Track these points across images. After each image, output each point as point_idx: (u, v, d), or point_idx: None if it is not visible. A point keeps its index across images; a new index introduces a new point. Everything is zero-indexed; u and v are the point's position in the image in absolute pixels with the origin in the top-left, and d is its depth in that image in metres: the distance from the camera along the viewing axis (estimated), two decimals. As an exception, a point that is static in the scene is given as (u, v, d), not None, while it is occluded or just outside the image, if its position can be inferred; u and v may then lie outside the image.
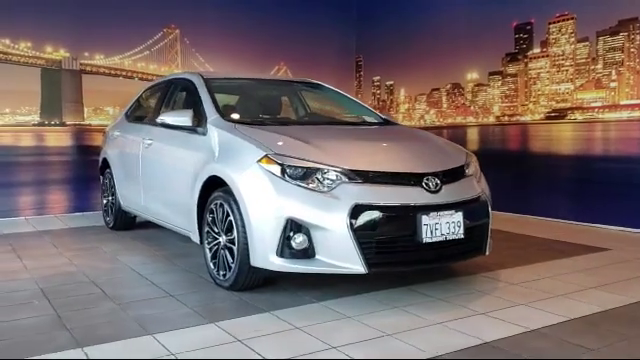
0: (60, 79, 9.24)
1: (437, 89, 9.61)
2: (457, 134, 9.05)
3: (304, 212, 3.02)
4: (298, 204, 3.03)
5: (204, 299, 3.34)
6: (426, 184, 3.22)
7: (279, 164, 3.15)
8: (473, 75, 8.87)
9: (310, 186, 3.08)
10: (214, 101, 4.03)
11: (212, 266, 3.59)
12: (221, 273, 3.49)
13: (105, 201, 5.83)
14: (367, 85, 10.61)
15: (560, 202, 6.75)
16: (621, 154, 6.58)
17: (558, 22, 7.13)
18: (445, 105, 9.41)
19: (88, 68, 9.50)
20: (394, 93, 10.14)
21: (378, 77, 10.34)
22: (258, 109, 4.67)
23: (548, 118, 8.41)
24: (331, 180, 3.09)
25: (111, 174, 5.57)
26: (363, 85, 10.44)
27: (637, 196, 5.83)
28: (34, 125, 8.95)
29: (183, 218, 4.03)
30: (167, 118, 4.00)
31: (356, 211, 2.99)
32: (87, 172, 7.35)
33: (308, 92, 5.16)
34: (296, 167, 3.13)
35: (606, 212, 5.73)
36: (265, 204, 3.11)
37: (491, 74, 8.92)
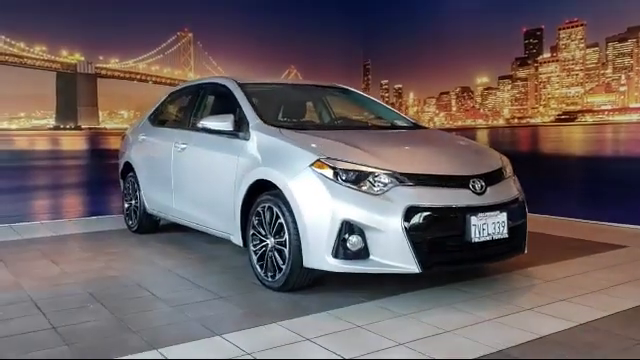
0: (75, 83, 9.22)
1: (446, 92, 10.10)
2: (467, 136, 9.17)
3: (360, 214, 3.12)
4: (353, 206, 3.13)
5: (256, 300, 3.43)
6: (473, 186, 3.35)
7: (332, 168, 3.25)
8: (483, 79, 9.06)
9: (362, 189, 3.18)
10: (253, 106, 4.11)
11: (259, 268, 3.67)
12: (269, 274, 3.57)
13: (127, 205, 5.86)
14: (375, 88, 10.84)
15: (573, 202, 6.93)
16: (631, 155, 6.78)
17: (568, 28, 7.30)
18: (454, 108, 9.77)
19: (103, 72, 9.60)
20: (403, 96, 10.55)
21: (386, 80, 10.77)
22: (292, 113, 4.76)
23: (558, 120, 8.59)
24: (383, 183, 3.19)
25: (135, 178, 5.61)
26: (371, 88, 10.59)
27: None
28: (49, 129, 8.89)
29: (222, 221, 4.11)
30: (208, 123, 4.08)
31: (410, 213, 3.10)
32: (102, 176, 7.36)
33: (338, 97, 5.25)
34: (349, 171, 3.23)
35: (618, 211, 5.91)
36: (320, 207, 3.20)
37: (501, 78, 9.16)
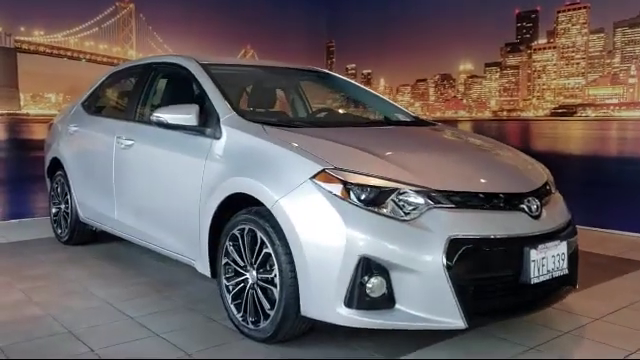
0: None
1: (423, 80, 8.98)
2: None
3: (384, 248, 2.37)
4: (375, 237, 2.31)
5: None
6: (528, 207, 2.55)
7: (342, 182, 2.37)
8: (466, 66, 8.27)
9: (385, 212, 2.31)
10: (226, 95, 3.19)
11: (235, 309, 2.73)
12: (250, 320, 2.65)
13: (55, 210, 4.88)
14: (340, 73, 9.82)
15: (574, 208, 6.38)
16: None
17: (568, 11, 6.70)
18: (433, 97, 8.78)
19: (25, 46, 8.13)
20: (372, 83, 9.47)
21: (353, 65, 9.62)
22: (268, 104, 3.83)
23: (554, 114, 7.95)
24: (414, 204, 2.38)
25: (65, 177, 4.63)
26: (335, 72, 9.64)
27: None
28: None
29: (182, 242, 3.22)
30: (165, 115, 3.20)
31: (453, 246, 2.26)
32: (23, 172, 6.18)
33: (317, 83, 4.36)
34: (365, 186, 2.38)
35: (618, 217, 5.38)
36: (328, 236, 2.39)
37: (488, 65, 8.35)
